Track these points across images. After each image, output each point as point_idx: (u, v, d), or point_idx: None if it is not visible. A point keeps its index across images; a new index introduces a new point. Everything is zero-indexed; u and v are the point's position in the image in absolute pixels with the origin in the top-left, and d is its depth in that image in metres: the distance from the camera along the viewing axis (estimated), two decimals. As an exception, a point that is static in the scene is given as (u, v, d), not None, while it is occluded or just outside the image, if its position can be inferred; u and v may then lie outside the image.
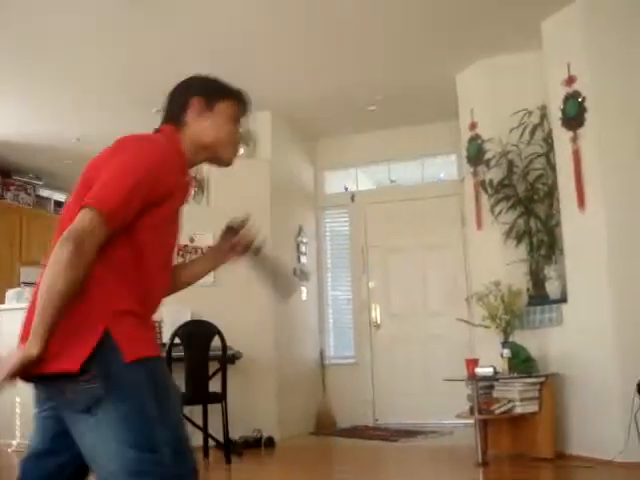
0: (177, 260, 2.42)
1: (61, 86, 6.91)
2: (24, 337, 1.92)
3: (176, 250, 2.36)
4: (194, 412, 6.47)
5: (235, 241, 2.49)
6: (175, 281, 2.45)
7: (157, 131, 2.32)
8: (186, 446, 2.22)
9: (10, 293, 7.33)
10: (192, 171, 2.40)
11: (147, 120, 7.04)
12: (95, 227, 1.93)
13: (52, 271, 1.88)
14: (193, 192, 7.26)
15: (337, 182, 9.07)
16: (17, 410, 6.78)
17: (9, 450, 6.91)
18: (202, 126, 2.29)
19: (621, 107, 5.36)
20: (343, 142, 8.71)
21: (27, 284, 8.63)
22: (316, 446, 7.35)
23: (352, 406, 8.26)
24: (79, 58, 6.32)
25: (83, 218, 1.94)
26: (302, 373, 8.05)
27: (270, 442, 6.89)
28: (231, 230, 2.48)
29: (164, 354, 5.90)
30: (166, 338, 6.28)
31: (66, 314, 1.89)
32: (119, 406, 1.93)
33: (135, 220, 2.03)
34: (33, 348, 1.84)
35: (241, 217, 2.49)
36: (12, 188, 9.43)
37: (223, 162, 2.37)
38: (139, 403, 1.97)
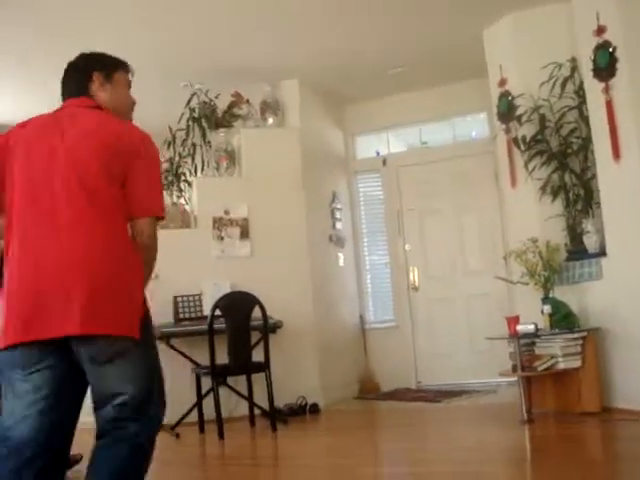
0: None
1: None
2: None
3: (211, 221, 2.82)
4: (238, 382, 6.57)
5: None
6: None
7: (96, 107, 2.71)
8: None
9: None
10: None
11: (175, 96, 7.08)
12: None
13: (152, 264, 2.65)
14: (225, 165, 7.28)
15: (368, 147, 9.03)
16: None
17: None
18: (105, 96, 2.73)
19: (653, 55, 5.27)
20: (372, 106, 8.65)
21: None
22: (360, 410, 7.41)
23: (394, 369, 8.30)
24: (106, 33, 6.29)
25: (152, 226, 2.58)
26: (343, 339, 8.10)
27: (315, 408, 6.97)
28: None
29: (206, 326, 5.98)
30: (207, 311, 6.35)
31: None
32: None
33: None
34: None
35: None
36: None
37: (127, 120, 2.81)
38: None
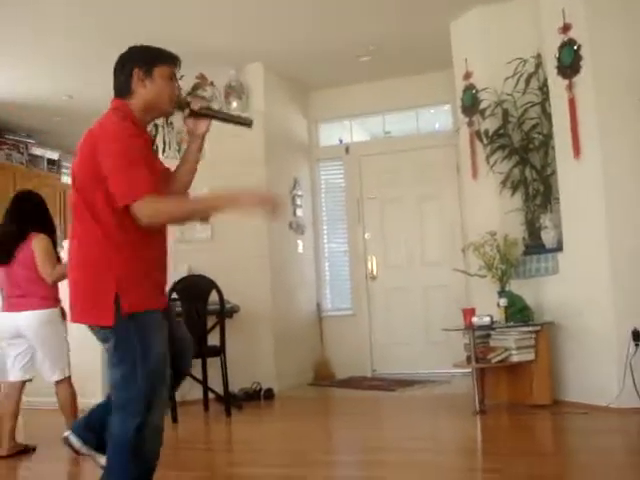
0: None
1: (52, 43, 6.81)
2: None
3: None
4: (194, 366, 6.50)
5: (194, 108, 2.96)
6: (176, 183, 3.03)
7: (110, 108, 2.83)
8: None
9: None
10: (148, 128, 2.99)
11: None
12: None
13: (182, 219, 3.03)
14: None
15: (331, 134, 9.01)
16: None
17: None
18: (145, 91, 2.81)
19: (617, 55, 5.31)
20: (337, 94, 8.63)
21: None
22: (315, 397, 7.43)
23: (350, 357, 8.32)
24: (71, 12, 6.22)
25: (141, 209, 2.64)
26: (300, 325, 8.10)
27: (269, 394, 6.97)
28: (186, 103, 2.95)
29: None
30: (164, 294, 6.30)
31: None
32: None
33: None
34: None
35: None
36: (4, 147, 9.35)
37: (168, 114, 3.04)
38: None
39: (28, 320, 4.83)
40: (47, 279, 4.83)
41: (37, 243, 4.88)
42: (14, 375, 4.95)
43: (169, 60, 2.90)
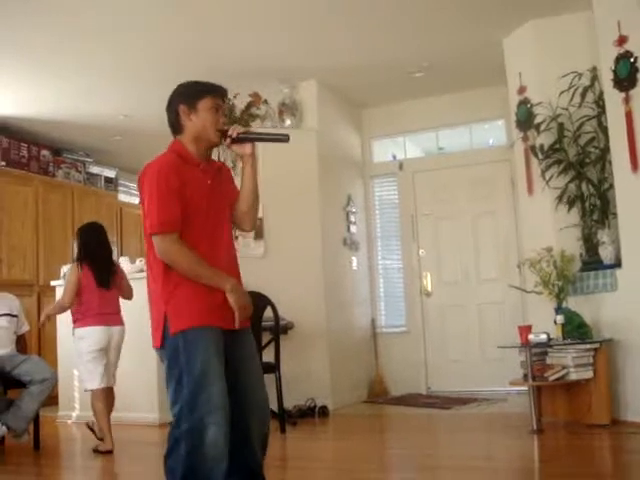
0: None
1: (108, 63, 6.96)
2: None
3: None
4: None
5: (230, 135, 3.08)
6: (239, 217, 3.21)
7: (169, 149, 3.07)
8: None
9: (64, 269, 7.46)
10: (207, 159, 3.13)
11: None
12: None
13: (190, 273, 2.96)
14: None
15: (385, 150, 9.02)
16: (76, 383, 6.92)
17: (69, 422, 7.08)
18: (192, 125, 3.02)
19: (675, 66, 5.23)
20: (390, 110, 8.65)
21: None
22: (369, 414, 7.39)
23: (404, 374, 8.28)
24: (126, 34, 6.35)
25: (158, 243, 2.92)
26: (354, 342, 8.09)
27: (324, 411, 6.95)
28: (225, 133, 3.07)
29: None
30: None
31: None
32: None
33: None
34: None
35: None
36: (63, 166, 9.57)
37: (215, 144, 3.11)
38: None
39: (121, 333, 5.73)
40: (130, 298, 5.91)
41: (124, 270, 6.08)
42: (106, 382, 5.65)
43: (211, 92, 3.06)
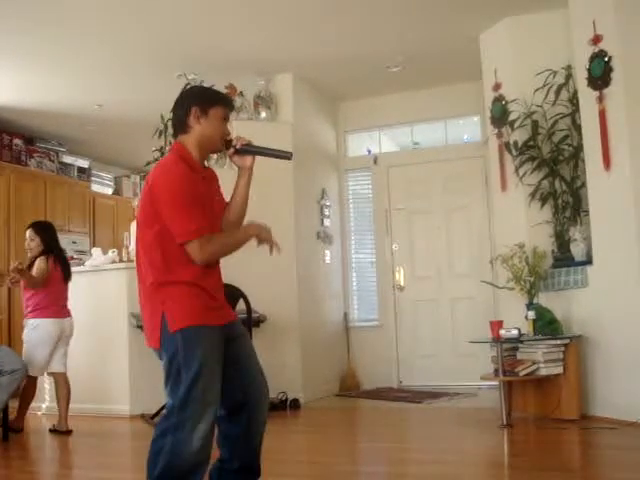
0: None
1: (83, 53, 6.89)
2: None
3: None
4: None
5: (234, 145, 3.16)
6: (225, 225, 3.24)
7: (169, 150, 3.13)
8: None
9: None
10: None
11: (169, 86, 7.06)
12: None
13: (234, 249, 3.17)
14: (215, 156, 7.25)
15: (360, 145, 9.03)
16: (45, 374, 6.87)
17: (38, 413, 7.03)
18: (200, 128, 3.05)
19: (648, 66, 5.27)
20: (365, 104, 8.65)
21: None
22: (341, 408, 7.41)
23: (376, 368, 8.31)
24: (101, 24, 6.29)
25: (194, 249, 2.91)
26: (326, 336, 8.09)
27: (295, 404, 6.96)
28: (229, 142, 3.15)
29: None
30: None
31: None
32: None
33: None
34: None
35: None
36: (35, 155, 9.47)
37: (218, 151, 3.31)
38: None
39: (72, 324, 6.12)
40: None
41: None
42: (60, 368, 6.06)
43: (224, 102, 3.14)
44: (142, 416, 6.42)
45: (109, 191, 10.90)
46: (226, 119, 3.13)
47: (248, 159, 3.22)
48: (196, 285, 2.94)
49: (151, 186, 2.94)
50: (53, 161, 9.74)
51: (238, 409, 3.05)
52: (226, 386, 2.96)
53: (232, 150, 3.16)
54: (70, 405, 5.99)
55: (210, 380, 2.88)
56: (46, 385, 6.91)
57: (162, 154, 7.35)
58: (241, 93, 7.47)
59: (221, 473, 3.07)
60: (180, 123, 3.09)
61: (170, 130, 7.22)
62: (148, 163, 7.56)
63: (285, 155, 3.32)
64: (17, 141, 9.19)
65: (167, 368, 2.89)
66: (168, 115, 7.12)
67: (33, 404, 7.07)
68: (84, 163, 10.31)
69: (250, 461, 3.10)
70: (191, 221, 2.88)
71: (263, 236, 3.12)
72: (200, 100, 3.08)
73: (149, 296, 2.97)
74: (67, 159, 10.03)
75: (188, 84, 7.10)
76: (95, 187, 10.57)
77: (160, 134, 7.26)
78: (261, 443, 3.16)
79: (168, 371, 2.89)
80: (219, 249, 3.02)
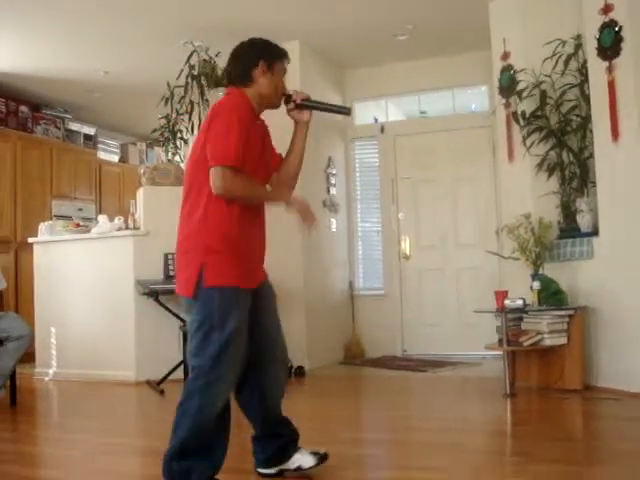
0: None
1: (89, 19, 6.85)
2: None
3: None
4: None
5: (295, 100, 3.23)
6: (284, 181, 3.37)
7: (227, 94, 3.13)
8: None
9: (43, 226, 7.41)
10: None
11: (175, 54, 7.04)
12: None
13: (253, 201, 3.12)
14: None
15: (367, 113, 8.99)
16: (53, 340, 6.92)
17: (46, 379, 7.08)
18: (265, 83, 3.09)
19: (658, 36, 5.22)
20: (373, 73, 8.60)
21: (59, 217, 8.75)
22: (345, 376, 7.45)
23: (381, 337, 8.35)
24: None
25: (218, 176, 2.87)
26: (331, 304, 8.12)
27: (300, 372, 7.01)
28: (289, 97, 3.21)
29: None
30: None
31: None
32: None
33: None
34: None
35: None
36: (42, 122, 9.45)
37: (275, 107, 3.24)
38: None
39: None
40: None
41: None
42: None
43: (286, 57, 3.20)
44: (147, 382, 6.47)
45: (115, 158, 10.90)
46: (285, 73, 3.19)
47: (306, 114, 3.27)
48: (239, 243, 2.96)
49: (210, 118, 2.95)
50: (59, 128, 9.73)
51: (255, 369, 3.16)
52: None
53: (292, 105, 3.20)
54: (76, 371, 5.96)
55: (241, 344, 2.93)
56: (53, 351, 6.97)
57: (168, 121, 7.33)
58: (248, 61, 7.41)
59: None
60: (243, 75, 3.10)
61: (176, 97, 7.25)
62: (154, 130, 7.54)
63: (344, 110, 3.38)
64: (23, 108, 9.17)
65: (197, 325, 2.88)
66: (174, 82, 7.15)
67: (39, 369, 7.15)
68: (90, 130, 10.29)
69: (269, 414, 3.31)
70: (230, 148, 2.86)
71: (297, 208, 3.10)
72: (267, 54, 3.12)
73: (194, 242, 2.94)
74: (73, 126, 10.01)
75: (194, 51, 7.08)
76: (101, 154, 10.56)
77: (167, 101, 7.23)
78: (282, 398, 3.41)
79: (197, 328, 2.88)
80: (241, 189, 2.95)
